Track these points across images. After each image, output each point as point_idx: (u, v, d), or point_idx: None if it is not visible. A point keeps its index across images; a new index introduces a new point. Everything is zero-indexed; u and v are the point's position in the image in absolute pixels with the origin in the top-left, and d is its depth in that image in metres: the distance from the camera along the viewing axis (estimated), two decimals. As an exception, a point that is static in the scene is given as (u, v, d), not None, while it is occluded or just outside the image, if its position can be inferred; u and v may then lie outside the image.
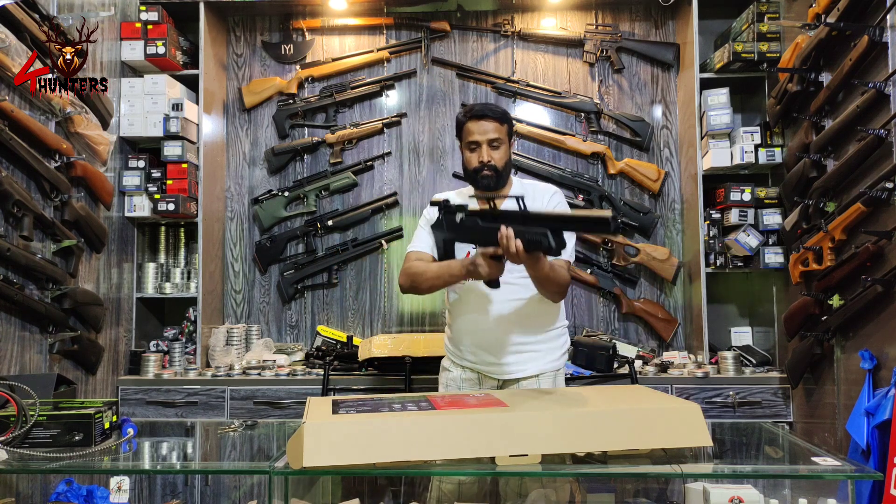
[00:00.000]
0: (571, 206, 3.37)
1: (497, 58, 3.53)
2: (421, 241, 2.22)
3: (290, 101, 3.54)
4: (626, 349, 3.16)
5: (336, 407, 1.43)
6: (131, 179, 3.20)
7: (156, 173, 3.21)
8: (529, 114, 3.48)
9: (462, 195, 2.26)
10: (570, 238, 2.13)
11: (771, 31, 3.01)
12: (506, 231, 1.64)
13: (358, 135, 3.51)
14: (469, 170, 2.15)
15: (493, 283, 1.83)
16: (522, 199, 1.67)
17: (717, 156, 3.11)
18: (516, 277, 2.04)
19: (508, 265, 1.83)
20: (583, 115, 3.45)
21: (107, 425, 1.59)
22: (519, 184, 2.25)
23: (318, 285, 3.53)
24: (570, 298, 3.39)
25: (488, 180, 2.11)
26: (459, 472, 1.62)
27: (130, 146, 3.32)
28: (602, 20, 3.51)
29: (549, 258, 1.88)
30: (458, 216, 1.86)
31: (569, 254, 2.14)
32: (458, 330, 2.19)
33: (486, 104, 2.18)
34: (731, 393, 2.91)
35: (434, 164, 3.52)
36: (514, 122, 2.19)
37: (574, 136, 3.43)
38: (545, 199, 2.19)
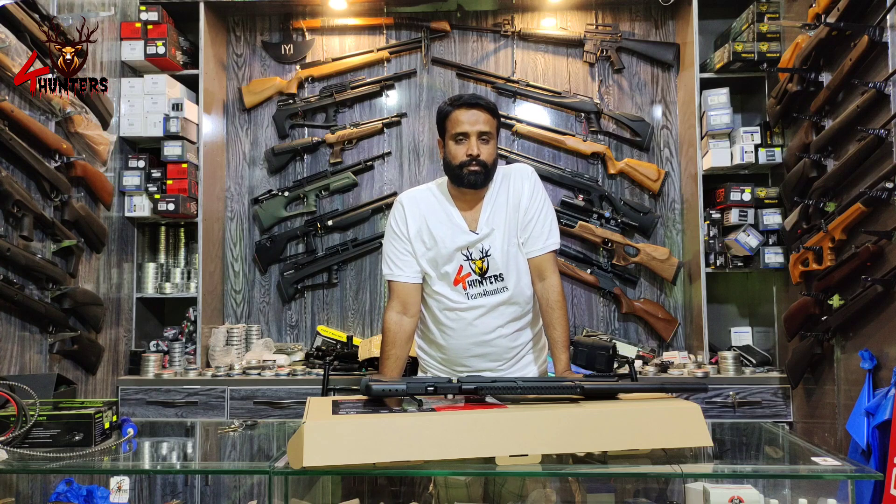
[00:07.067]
0: (572, 206, 3.39)
1: (497, 58, 3.53)
2: (399, 266, 2.01)
3: (290, 101, 3.54)
4: (626, 349, 3.16)
5: (336, 407, 1.43)
6: (131, 179, 3.20)
7: (156, 173, 3.21)
8: (529, 114, 3.48)
9: (435, 190, 2.07)
10: (554, 229, 2.04)
11: (771, 31, 3.01)
12: None
13: (358, 135, 3.51)
14: (454, 165, 1.93)
15: None
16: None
17: (717, 156, 3.11)
18: (503, 301, 2.02)
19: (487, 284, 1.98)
20: (583, 115, 3.45)
21: (107, 425, 1.59)
22: (500, 173, 2.05)
23: (318, 285, 3.52)
24: (570, 298, 3.38)
25: (475, 177, 1.91)
26: (459, 472, 1.62)
27: (130, 146, 3.32)
28: (602, 20, 3.50)
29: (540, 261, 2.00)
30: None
31: (554, 243, 2.02)
32: (444, 348, 2.10)
33: (476, 94, 1.99)
34: (731, 393, 2.90)
35: (434, 164, 3.52)
36: (504, 120, 2.05)
37: (574, 136, 3.43)
38: (520, 184, 1.99)
